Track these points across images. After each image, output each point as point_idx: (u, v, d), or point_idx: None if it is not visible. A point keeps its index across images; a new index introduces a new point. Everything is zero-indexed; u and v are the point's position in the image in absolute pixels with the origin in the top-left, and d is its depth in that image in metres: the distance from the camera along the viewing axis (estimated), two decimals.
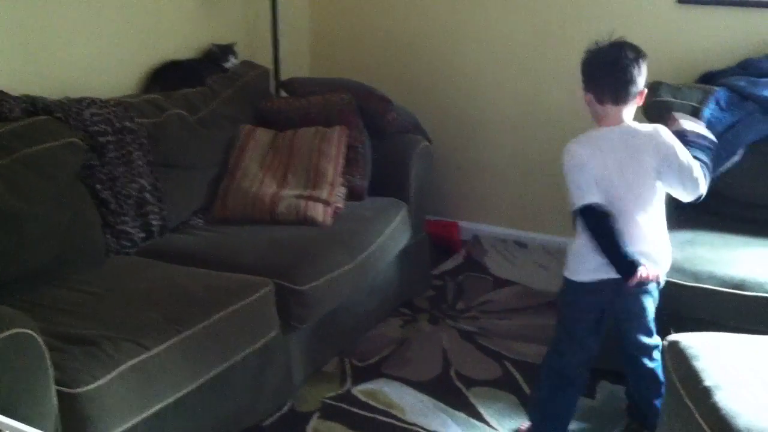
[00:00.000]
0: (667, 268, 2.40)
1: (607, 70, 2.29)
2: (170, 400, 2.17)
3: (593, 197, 2.25)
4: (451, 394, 2.80)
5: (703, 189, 2.33)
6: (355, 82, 3.56)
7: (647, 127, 2.33)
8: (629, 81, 2.27)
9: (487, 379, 2.90)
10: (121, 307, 2.32)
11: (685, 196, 2.35)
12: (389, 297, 3.32)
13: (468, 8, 3.98)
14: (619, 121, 2.31)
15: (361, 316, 3.13)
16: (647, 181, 2.29)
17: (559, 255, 3.94)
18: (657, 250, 2.34)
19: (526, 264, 3.89)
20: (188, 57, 3.54)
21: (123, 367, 2.04)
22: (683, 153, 2.30)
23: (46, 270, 2.52)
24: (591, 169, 2.27)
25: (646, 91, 2.34)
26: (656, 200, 2.33)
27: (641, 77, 2.29)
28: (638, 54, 2.30)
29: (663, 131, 2.32)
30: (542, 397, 2.54)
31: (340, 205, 3.14)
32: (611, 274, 2.29)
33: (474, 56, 4.03)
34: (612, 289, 2.33)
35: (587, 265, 2.33)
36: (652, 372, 2.44)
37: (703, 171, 2.35)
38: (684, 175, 2.29)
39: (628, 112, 2.32)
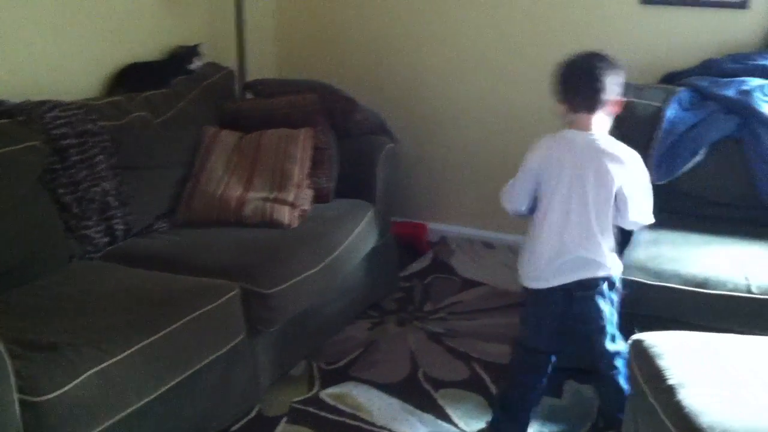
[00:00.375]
0: (602, 273, 2.36)
1: (578, 77, 2.33)
2: (135, 406, 2.14)
3: (520, 206, 2.46)
4: (420, 396, 2.80)
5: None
6: (320, 83, 3.55)
7: (624, 148, 2.34)
8: (598, 88, 2.29)
9: (455, 380, 2.91)
10: (83, 313, 2.29)
11: (619, 221, 2.37)
12: (357, 299, 3.31)
13: (433, 9, 3.98)
14: (588, 128, 2.33)
15: (329, 318, 3.12)
16: (602, 189, 2.30)
17: None
18: (590, 255, 2.33)
19: (493, 265, 3.90)
20: (152, 58, 3.51)
21: (86, 374, 2.00)
22: (646, 189, 2.33)
23: (6, 275, 2.48)
24: (534, 176, 2.39)
25: (623, 101, 2.36)
26: (609, 210, 2.33)
27: (613, 86, 2.31)
28: (610, 63, 2.33)
29: (638, 159, 2.34)
30: (507, 386, 2.60)
31: (307, 207, 3.13)
32: (558, 281, 2.34)
33: (440, 57, 4.03)
34: (562, 296, 2.37)
35: (533, 272, 2.40)
36: (613, 381, 2.43)
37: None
38: (632, 207, 2.32)
39: (599, 120, 2.34)
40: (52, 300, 2.38)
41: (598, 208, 2.30)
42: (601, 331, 2.39)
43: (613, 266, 2.36)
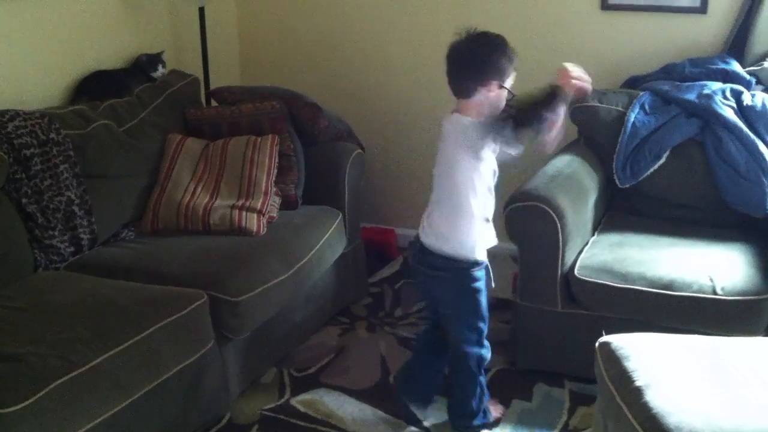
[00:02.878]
0: (448, 251, 2.44)
1: (451, 62, 2.40)
2: (102, 417, 2.12)
3: None
4: (391, 402, 2.79)
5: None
6: (285, 89, 3.54)
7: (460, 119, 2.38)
8: (460, 76, 2.36)
9: None
10: (48, 323, 2.26)
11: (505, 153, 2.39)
12: (326, 305, 3.31)
13: (396, 14, 3.99)
14: (459, 113, 2.40)
15: (298, 325, 3.11)
16: (450, 170, 2.39)
17: (494, 259, 3.97)
18: (440, 231, 2.45)
19: None
20: (115, 67, 3.48)
21: (52, 386, 1.99)
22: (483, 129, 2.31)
23: None
24: None
25: (495, 84, 2.32)
26: (459, 188, 2.39)
27: (482, 73, 2.32)
28: (490, 47, 2.35)
29: (465, 119, 2.37)
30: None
31: (275, 214, 3.12)
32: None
33: (405, 62, 4.04)
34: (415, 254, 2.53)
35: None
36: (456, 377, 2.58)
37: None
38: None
39: (467, 105, 2.37)
40: (16, 310, 2.34)
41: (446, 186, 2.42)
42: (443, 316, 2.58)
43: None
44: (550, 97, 2.23)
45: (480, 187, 2.39)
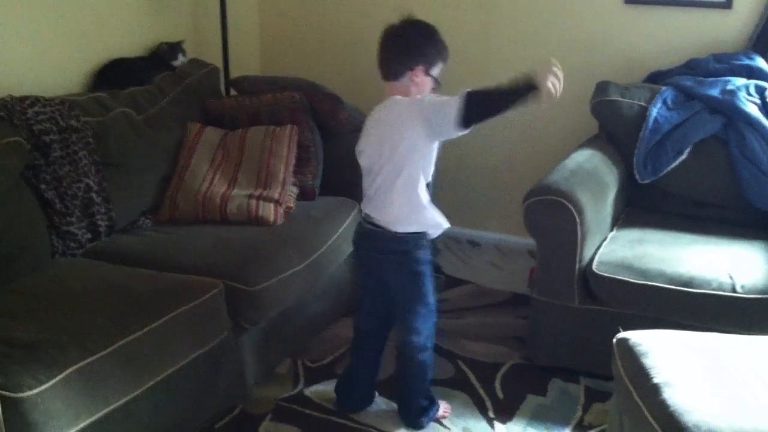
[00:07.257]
0: (399, 228, 2.48)
1: (381, 44, 2.42)
2: (117, 404, 2.12)
3: None
4: None
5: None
6: (305, 81, 3.54)
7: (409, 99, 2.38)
8: (390, 58, 2.38)
9: (440, 378, 2.90)
10: (65, 310, 2.26)
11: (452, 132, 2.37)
12: (342, 297, 3.30)
13: (419, 7, 3.96)
14: (387, 96, 2.41)
15: (314, 316, 3.11)
16: (403, 150, 2.39)
17: (512, 254, 3.97)
18: (389, 217, 2.47)
19: (479, 263, 3.90)
20: (135, 55, 3.48)
21: (68, 371, 1.99)
22: (437, 100, 2.33)
23: None
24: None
25: (420, 69, 2.36)
26: (411, 170, 2.44)
27: (411, 57, 2.36)
28: (418, 33, 2.42)
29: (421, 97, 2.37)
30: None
31: (292, 204, 3.11)
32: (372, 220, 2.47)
33: None
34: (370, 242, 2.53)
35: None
36: (406, 370, 2.59)
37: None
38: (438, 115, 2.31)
39: (395, 89, 2.39)
40: (34, 297, 2.35)
41: (395, 171, 2.44)
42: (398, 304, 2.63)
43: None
44: (516, 91, 2.20)
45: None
